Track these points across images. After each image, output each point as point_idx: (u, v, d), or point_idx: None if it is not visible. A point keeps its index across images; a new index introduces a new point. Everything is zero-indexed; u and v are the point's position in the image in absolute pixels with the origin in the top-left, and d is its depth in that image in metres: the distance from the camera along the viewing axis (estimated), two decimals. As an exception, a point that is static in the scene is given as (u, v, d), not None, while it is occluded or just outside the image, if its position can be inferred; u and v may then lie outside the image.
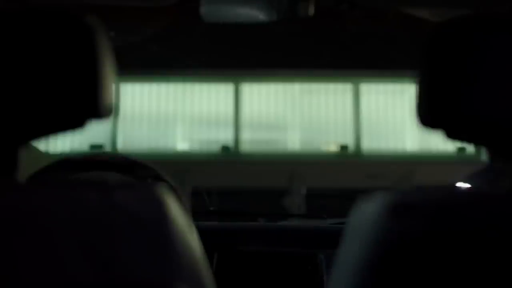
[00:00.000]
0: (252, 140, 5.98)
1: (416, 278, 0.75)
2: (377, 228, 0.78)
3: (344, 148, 5.99)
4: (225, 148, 5.95)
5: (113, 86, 0.84)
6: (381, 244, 0.77)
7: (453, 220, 0.76)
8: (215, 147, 5.97)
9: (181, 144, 6.00)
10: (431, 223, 0.76)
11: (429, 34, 0.83)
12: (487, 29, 0.81)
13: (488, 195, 0.80)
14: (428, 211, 0.77)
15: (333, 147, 6.00)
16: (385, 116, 5.98)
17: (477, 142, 0.87)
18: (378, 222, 0.78)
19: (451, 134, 0.84)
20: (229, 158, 5.94)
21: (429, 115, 0.83)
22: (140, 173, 1.54)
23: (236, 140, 5.98)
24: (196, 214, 2.36)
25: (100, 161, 1.60)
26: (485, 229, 0.76)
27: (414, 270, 0.75)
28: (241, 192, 5.37)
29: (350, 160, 5.97)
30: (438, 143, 5.63)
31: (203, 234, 1.35)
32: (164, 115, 5.87)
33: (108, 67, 0.83)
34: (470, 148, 5.39)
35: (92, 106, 0.82)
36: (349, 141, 5.99)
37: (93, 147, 5.66)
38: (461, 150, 5.71)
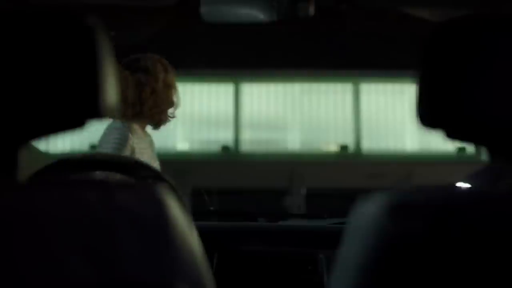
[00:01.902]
0: (252, 140, 5.99)
1: (416, 278, 0.75)
2: (377, 228, 0.78)
3: (344, 148, 6.00)
4: (225, 148, 5.96)
5: (114, 86, 0.84)
6: (381, 244, 0.77)
7: (453, 221, 0.76)
8: (215, 147, 5.98)
9: (181, 144, 6.00)
10: (431, 223, 0.76)
11: (429, 34, 0.83)
12: (487, 29, 0.82)
13: (489, 195, 0.80)
14: (428, 211, 0.77)
15: (333, 147, 6.00)
16: (385, 116, 5.98)
17: (477, 142, 0.87)
18: (378, 222, 0.78)
19: (451, 134, 0.84)
20: (229, 158, 5.95)
21: (429, 115, 0.83)
22: (140, 173, 1.54)
23: (236, 140, 5.98)
24: (196, 214, 2.36)
25: (100, 161, 1.60)
26: (485, 229, 0.76)
27: (414, 270, 0.75)
28: (241, 192, 5.37)
29: (350, 160, 5.97)
30: (438, 143, 5.63)
31: (203, 234, 1.35)
32: (164, 115, 5.87)
33: (109, 67, 0.83)
34: (470, 148, 5.39)
35: (93, 106, 0.82)
36: (349, 141, 5.99)
37: (93, 147, 5.66)
38: (461, 150, 5.72)
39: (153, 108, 2.60)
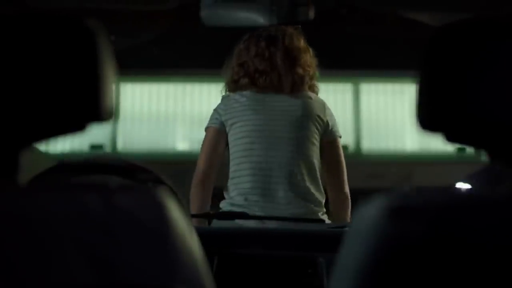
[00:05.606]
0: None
1: (417, 281, 0.75)
2: (377, 231, 0.78)
3: (344, 148, 5.99)
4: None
5: (114, 89, 0.84)
6: (381, 247, 0.77)
7: (454, 223, 0.76)
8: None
9: (181, 144, 5.99)
10: (431, 226, 0.76)
11: (429, 38, 0.83)
12: (486, 32, 0.82)
13: (488, 198, 0.80)
14: (428, 214, 0.78)
15: (333, 147, 5.98)
16: (385, 116, 5.97)
17: (477, 146, 0.87)
18: (379, 225, 0.78)
19: (451, 138, 0.85)
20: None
21: (428, 119, 0.84)
22: (141, 176, 1.54)
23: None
24: (196, 216, 2.36)
25: (100, 164, 1.60)
26: (485, 232, 0.76)
27: (414, 273, 0.75)
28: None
29: (350, 160, 5.96)
30: (438, 143, 5.62)
31: (203, 237, 1.35)
32: (164, 115, 5.87)
33: (109, 71, 0.83)
34: (470, 148, 5.37)
35: (93, 109, 0.82)
36: (349, 141, 5.98)
37: (93, 147, 5.65)
38: (461, 150, 5.70)
39: None
